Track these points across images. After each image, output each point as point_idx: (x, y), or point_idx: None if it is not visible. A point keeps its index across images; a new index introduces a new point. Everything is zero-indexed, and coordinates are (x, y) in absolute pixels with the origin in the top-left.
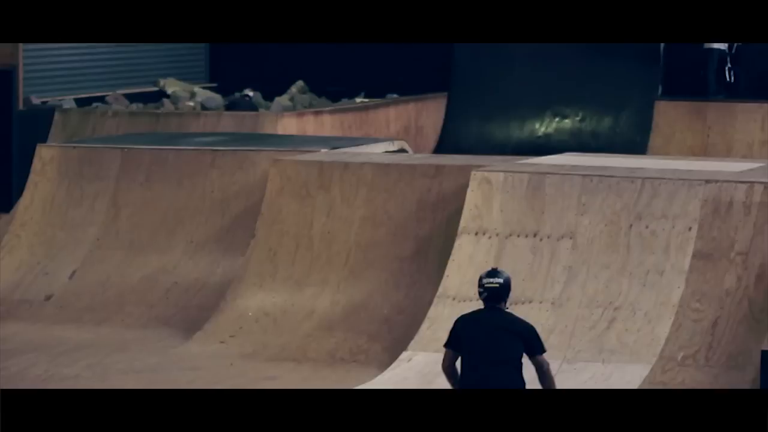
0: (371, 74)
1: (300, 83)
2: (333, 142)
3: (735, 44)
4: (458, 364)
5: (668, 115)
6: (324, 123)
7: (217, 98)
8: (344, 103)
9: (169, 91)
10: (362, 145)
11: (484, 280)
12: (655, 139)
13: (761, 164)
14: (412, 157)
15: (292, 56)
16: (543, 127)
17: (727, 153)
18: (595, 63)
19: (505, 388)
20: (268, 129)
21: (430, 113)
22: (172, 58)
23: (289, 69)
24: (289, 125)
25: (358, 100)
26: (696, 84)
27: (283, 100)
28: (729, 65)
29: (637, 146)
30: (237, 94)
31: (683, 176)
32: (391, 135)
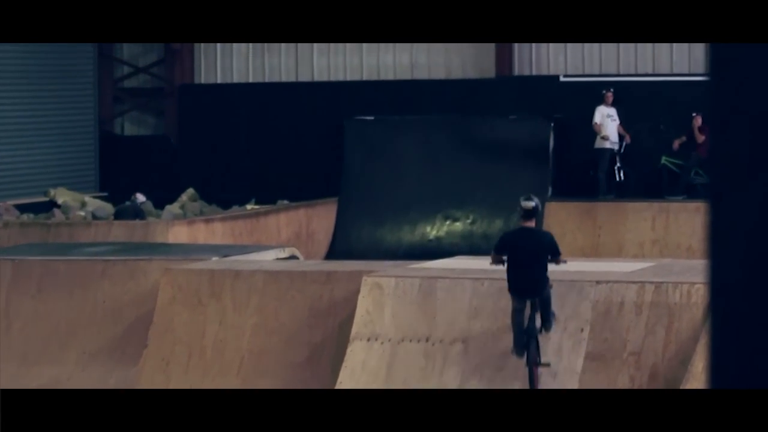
0: (261, 181)
1: (190, 191)
2: (224, 250)
3: (624, 144)
4: None
5: (559, 215)
6: (215, 230)
7: (107, 207)
8: (235, 210)
9: (60, 201)
10: (253, 252)
11: (522, 203)
12: None
13: (652, 264)
14: (303, 264)
15: (182, 164)
16: (434, 230)
17: (618, 253)
18: (485, 166)
19: (538, 279)
20: (159, 237)
21: (321, 219)
22: (62, 167)
23: (180, 176)
24: (179, 233)
25: (248, 206)
26: (586, 184)
27: (173, 208)
28: (619, 165)
29: None
30: (127, 202)
31: (574, 277)
32: (282, 241)
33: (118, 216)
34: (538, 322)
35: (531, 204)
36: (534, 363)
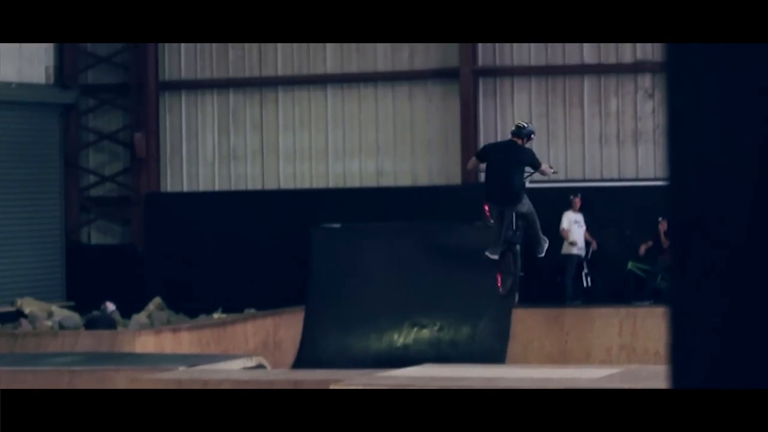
0: (228, 289)
1: (157, 300)
2: (191, 360)
3: (592, 249)
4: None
5: (526, 322)
6: (182, 340)
7: (74, 317)
8: (202, 319)
9: (27, 310)
10: (220, 362)
11: (517, 122)
12: (513, 347)
13: (619, 370)
14: (270, 373)
15: (148, 272)
16: (401, 337)
17: (586, 359)
18: (452, 272)
19: (511, 187)
20: (126, 347)
21: (288, 327)
22: (29, 277)
23: (146, 285)
24: (147, 343)
25: (215, 315)
26: (553, 290)
27: (140, 317)
28: (586, 270)
29: (496, 354)
30: (96, 312)
31: (541, 385)
32: (249, 350)
33: (89, 326)
34: (518, 236)
35: (522, 123)
36: (505, 271)
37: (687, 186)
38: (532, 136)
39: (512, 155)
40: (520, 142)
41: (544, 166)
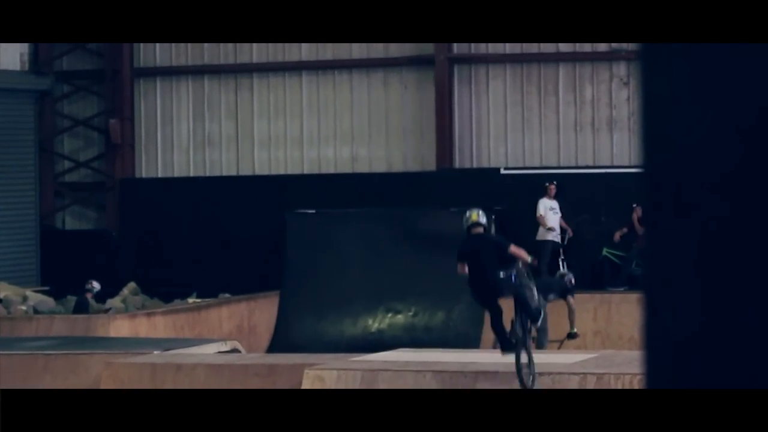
0: (203, 274)
1: (132, 285)
2: (165, 344)
3: (567, 236)
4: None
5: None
6: (157, 324)
7: (49, 301)
8: (176, 303)
9: (1, 295)
10: (195, 346)
11: (468, 215)
12: (488, 333)
13: (594, 355)
14: (245, 357)
15: (123, 258)
16: (376, 323)
17: (560, 344)
18: (426, 258)
19: (491, 281)
20: (100, 332)
21: (262, 312)
22: (4, 262)
23: (121, 270)
24: (121, 327)
25: (190, 300)
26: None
27: (115, 302)
28: (562, 257)
29: (471, 340)
30: (74, 297)
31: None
32: (224, 335)
33: (77, 309)
34: (520, 329)
35: (475, 214)
36: (521, 369)
37: (661, 170)
38: (492, 219)
39: (481, 248)
40: (482, 230)
41: (513, 249)
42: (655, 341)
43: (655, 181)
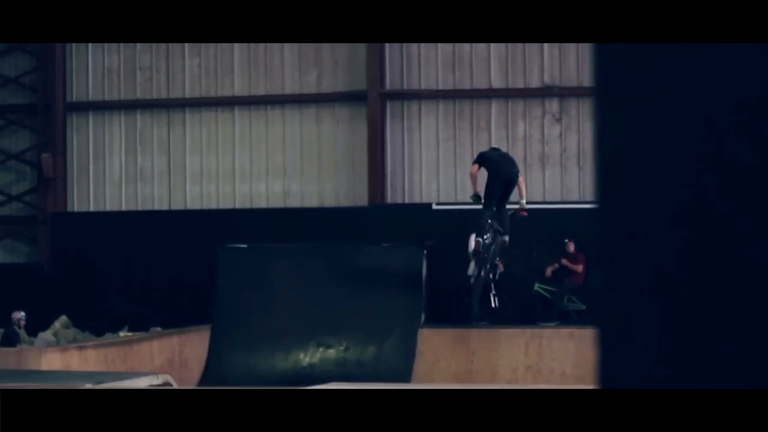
0: (134, 308)
1: (63, 318)
2: (97, 377)
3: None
4: None
5: (432, 342)
6: (88, 357)
7: None
8: (108, 337)
9: None
10: (126, 379)
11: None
12: (419, 367)
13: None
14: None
15: (55, 291)
16: (307, 357)
17: (492, 378)
18: (358, 293)
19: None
20: (32, 364)
21: (194, 346)
22: None
23: (52, 304)
24: (53, 360)
25: (121, 334)
26: (459, 311)
27: (46, 335)
28: (494, 291)
29: (402, 374)
30: (2, 330)
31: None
32: (155, 368)
33: (3, 343)
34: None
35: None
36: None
37: (615, 203)
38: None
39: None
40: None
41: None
42: (610, 376)
43: (609, 211)
